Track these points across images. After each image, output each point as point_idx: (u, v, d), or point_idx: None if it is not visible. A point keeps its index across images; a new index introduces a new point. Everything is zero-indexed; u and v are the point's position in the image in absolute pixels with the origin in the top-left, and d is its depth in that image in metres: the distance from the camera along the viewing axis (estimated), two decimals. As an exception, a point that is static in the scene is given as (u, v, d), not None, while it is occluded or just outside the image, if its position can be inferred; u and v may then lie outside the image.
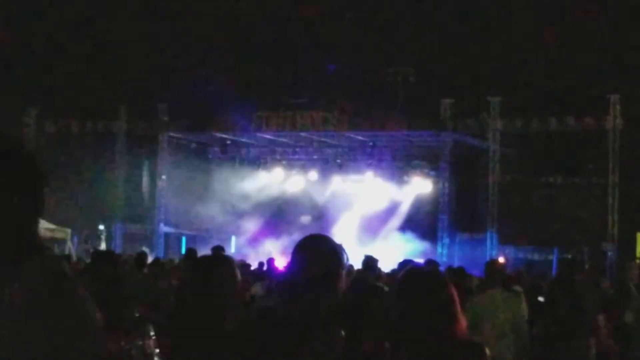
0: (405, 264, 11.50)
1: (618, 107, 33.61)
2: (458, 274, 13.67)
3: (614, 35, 33.93)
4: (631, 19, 33.35)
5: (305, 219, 39.05)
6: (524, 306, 11.49)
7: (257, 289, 17.78)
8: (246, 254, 33.82)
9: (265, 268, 21.94)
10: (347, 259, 4.43)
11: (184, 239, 38.58)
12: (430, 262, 15.69)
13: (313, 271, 4.30)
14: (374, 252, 37.73)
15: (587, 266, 22.93)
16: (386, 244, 37.67)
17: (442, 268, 25.88)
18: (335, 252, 4.40)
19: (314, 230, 37.18)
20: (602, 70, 32.62)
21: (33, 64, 36.32)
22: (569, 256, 33.71)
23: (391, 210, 38.47)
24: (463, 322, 4.26)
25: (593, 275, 17.08)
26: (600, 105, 33.72)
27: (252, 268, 22.29)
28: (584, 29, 33.96)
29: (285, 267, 4.67)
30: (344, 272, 4.44)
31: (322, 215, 38.51)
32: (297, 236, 38.46)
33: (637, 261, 31.41)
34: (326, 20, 35.88)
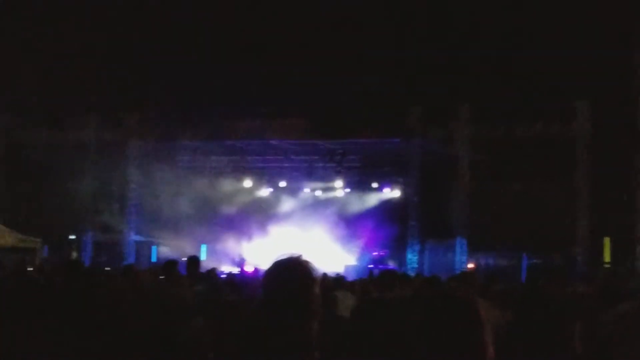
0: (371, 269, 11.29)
1: (585, 113, 33.94)
2: (433, 283, 13.51)
3: (582, 41, 34.20)
4: (595, 26, 33.63)
5: (274, 226, 38.99)
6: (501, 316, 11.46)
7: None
8: (217, 262, 33.82)
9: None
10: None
11: (154, 248, 38.47)
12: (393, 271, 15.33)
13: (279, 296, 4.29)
14: (344, 259, 37.80)
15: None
16: (354, 251, 37.83)
17: (412, 273, 25.99)
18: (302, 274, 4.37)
19: (282, 238, 36.91)
20: (570, 77, 32.84)
21: (2, 72, 36.12)
22: (538, 262, 33.98)
23: (360, 217, 38.49)
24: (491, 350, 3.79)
25: (561, 280, 17.09)
26: (568, 111, 33.99)
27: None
28: (552, 36, 34.20)
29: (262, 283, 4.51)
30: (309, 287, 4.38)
31: (291, 223, 38.45)
32: (266, 243, 37.94)
33: (606, 266, 31.76)
34: (296, 27, 35.90)
